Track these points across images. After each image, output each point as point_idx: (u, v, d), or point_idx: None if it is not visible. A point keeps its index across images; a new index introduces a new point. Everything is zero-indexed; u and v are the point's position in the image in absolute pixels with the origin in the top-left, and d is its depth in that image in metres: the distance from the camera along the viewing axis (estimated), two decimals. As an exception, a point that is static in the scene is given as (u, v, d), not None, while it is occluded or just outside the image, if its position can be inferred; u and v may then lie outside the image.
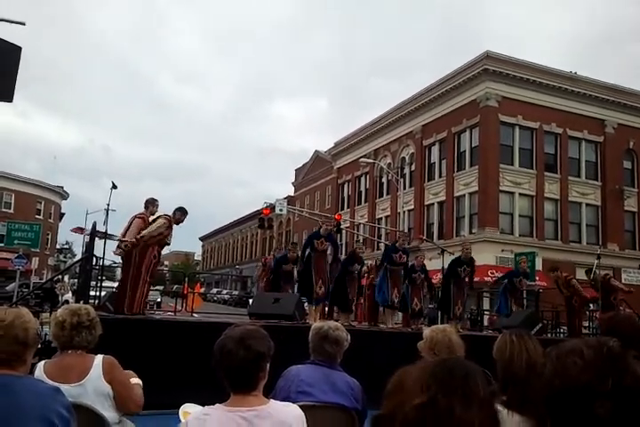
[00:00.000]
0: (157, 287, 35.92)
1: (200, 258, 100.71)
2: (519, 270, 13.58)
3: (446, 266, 12.75)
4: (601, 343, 1.27)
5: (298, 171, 59.87)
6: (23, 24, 9.31)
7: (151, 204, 9.79)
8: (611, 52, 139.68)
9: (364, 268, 13.13)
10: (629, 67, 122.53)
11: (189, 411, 3.08)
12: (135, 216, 9.58)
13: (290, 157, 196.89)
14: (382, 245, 31.02)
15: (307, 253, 11.40)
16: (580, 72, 33.94)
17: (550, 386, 1.21)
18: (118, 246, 9.31)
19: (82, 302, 9.70)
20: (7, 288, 26.86)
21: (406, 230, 31.41)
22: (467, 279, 12.35)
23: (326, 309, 12.26)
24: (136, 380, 3.60)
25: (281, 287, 11.96)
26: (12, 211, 50.18)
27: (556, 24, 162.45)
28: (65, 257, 74.06)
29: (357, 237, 35.52)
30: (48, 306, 18.08)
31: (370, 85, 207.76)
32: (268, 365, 2.50)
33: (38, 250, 34.52)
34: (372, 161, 36.61)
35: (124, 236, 9.49)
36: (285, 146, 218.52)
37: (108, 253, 11.20)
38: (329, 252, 11.54)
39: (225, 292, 51.85)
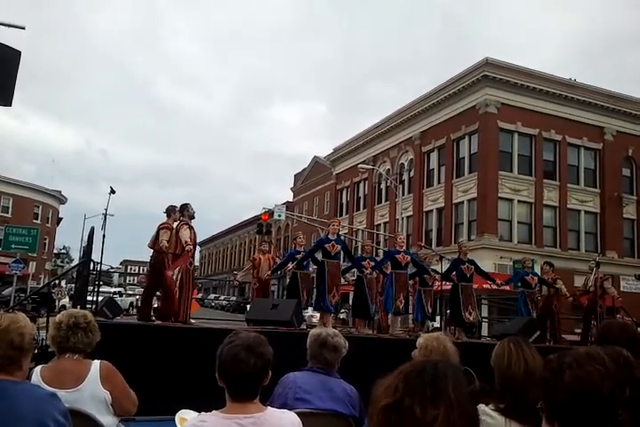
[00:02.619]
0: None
1: (198, 263, 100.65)
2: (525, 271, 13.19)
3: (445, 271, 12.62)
4: (617, 352, 1.27)
5: (297, 176, 59.87)
6: (23, 28, 9.30)
7: (173, 211, 9.76)
8: (610, 57, 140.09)
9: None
10: (629, 73, 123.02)
11: (186, 417, 3.06)
12: (160, 227, 9.59)
13: (289, 162, 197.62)
14: (381, 252, 31.00)
15: (319, 259, 11.10)
16: (579, 78, 34.05)
17: (572, 392, 1.21)
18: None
19: (79, 306, 9.67)
20: (3, 293, 26.83)
21: (404, 237, 31.33)
22: (473, 280, 12.22)
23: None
24: None
25: (299, 291, 11.40)
26: (9, 215, 50.15)
27: (556, 28, 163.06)
28: (62, 262, 74.01)
29: (356, 243, 35.49)
30: (44, 311, 18.02)
31: (369, 90, 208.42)
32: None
33: (35, 255, 34.55)
34: (370, 167, 36.59)
35: (152, 246, 9.52)
36: (285, 150, 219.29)
37: (105, 258, 11.18)
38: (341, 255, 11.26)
39: (222, 298, 51.78)
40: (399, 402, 1.19)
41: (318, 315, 17.06)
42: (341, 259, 12.07)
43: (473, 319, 11.96)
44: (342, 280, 11.95)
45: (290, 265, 11.66)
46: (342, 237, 13.34)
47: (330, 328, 4.10)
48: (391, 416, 1.18)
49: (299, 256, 11.62)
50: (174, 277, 9.07)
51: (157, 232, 9.52)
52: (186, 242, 9.03)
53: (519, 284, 13.11)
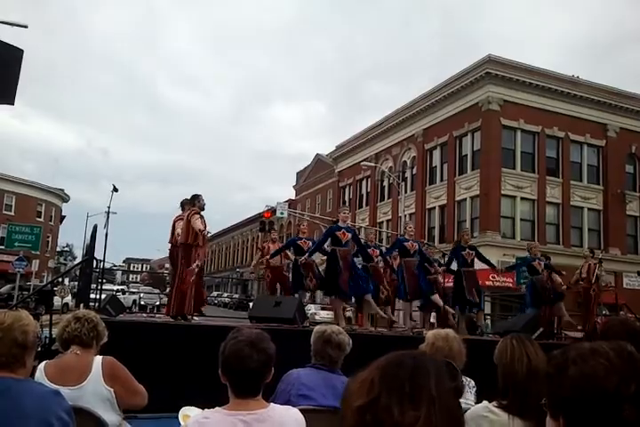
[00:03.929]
0: (156, 291, 35.93)
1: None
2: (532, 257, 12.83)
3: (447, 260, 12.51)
4: (622, 347, 1.26)
5: (299, 174, 59.83)
6: (26, 27, 9.32)
7: (187, 204, 9.85)
8: (612, 54, 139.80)
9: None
10: (631, 70, 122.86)
11: (189, 414, 3.07)
12: (175, 220, 9.68)
13: (291, 160, 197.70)
14: (384, 249, 30.92)
15: (327, 249, 10.95)
16: (581, 75, 33.93)
17: (577, 387, 1.20)
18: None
19: (82, 304, 9.70)
20: (1, 290, 26.92)
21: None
22: (474, 266, 12.09)
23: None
24: None
25: (303, 282, 11.26)
26: (12, 213, 50.14)
27: (556, 26, 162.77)
28: (65, 260, 74.17)
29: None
30: (42, 309, 18.00)
31: (369, 89, 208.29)
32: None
33: (39, 252, 34.53)
34: (373, 164, 36.56)
35: (172, 241, 9.57)
36: (285, 150, 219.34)
37: (107, 256, 11.21)
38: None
39: (225, 295, 51.85)
40: (375, 401, 1.09)
41: (322, 312, 16.98)
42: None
43: (477, 301, 11.90)
44: None
45: (290, 253, 11.65)
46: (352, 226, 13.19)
47: (334, 326, 4.10)
48: (366, 417, 1.09)
49: (300, 242, 11.51)
50: (195, 270, 9.17)
51: (174, 225, 9.64)
52: (200, 230, 9.10)
53: (526, 271, 12.96)
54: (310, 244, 11.41)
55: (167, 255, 10.50)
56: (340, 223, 10.85)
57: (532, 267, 12.48)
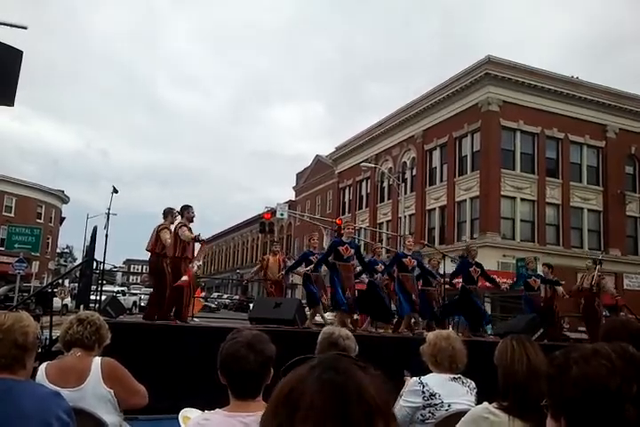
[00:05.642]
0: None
1: (201, 262, 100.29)
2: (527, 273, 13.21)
3: (448, 270, 12.58)
4: (623, 349, 1.27)
5: (299, 175, 59.81)
6: (25, 28, 9.26)
7: (170, 213, 9.69)
8: (611, 55, 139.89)
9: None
10: (630, 70, 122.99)
11: (189, 416, 3.07)
12: (158, 229, 9.46)
13: (290, 161, 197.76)
14: (384, 251, 30.87)
15: (330, 261, 10.90)
16: (580, 76, 33.91)
17: (579, 388, 1.20)
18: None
19: (82, 306, 9.68)
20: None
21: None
22: (478, 283, 12.28)
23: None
24: None
25: (315, 292, 11.23)
26: (12, 215, 50.13)
27: (556, 26, 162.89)
28: (65, 261, 74.16)
29: (359, 241, 35.41)
30: (40, 310, 17.99)
31: (369, 90, 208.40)
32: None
33: (39, 254, 34.51)
34: (373, 166, 36.52)
35: (153, 248, 9.41)
36: (285, 150, 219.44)
37: (108, 257, 11.16)
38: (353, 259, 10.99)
39: (225, 296, 51.85)
40: None
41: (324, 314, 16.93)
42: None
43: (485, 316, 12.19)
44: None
45: (301, 269, 11.64)
46: (356, 241, 13.22)
47: (343, 329, 4.05)
48: None
49: (312, 258, 11.43)
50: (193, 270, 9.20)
51: (157, 234, 9.38)
52: (191, 237, 9.11)
53: (522, 287, 13.11)
54: None
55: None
56: (344, 238, 10.97)
57: (527, 284, 12.82)
